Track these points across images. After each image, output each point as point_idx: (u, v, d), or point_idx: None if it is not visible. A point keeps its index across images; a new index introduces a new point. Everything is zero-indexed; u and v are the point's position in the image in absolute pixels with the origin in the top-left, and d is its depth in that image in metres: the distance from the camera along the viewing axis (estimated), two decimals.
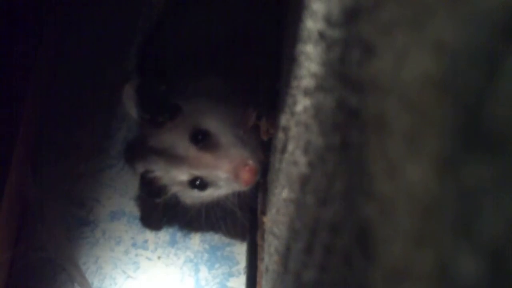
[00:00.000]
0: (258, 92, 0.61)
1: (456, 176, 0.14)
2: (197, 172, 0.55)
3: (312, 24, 0.27)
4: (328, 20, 0.24)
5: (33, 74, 0.75)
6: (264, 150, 0.62)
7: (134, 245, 0.70)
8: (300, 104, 0.31)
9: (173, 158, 0.55)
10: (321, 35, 0.25)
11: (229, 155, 0.53)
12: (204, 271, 0.68)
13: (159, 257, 0.69)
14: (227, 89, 0.59)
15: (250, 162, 0.52)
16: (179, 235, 0.70)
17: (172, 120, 0.55)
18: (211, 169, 0.54)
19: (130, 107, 0.57)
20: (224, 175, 0.54)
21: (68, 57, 0.83)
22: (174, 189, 0.58)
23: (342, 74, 0.22)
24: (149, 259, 0.69)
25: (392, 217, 0.17)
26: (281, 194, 0.38)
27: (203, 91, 0.58)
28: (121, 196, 0.73)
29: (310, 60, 0.28)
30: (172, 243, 0.70)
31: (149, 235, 0.71)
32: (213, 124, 0.55)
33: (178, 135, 0.55)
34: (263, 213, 0.60)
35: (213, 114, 0.55)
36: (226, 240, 0.70)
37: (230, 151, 0.53)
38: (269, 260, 0.47)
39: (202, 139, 0.54)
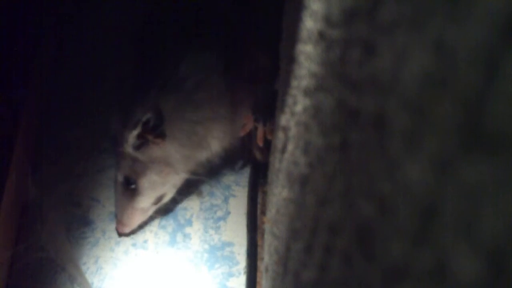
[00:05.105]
0: (257, 97, 0.63)
1: (456, 176, 0.14)
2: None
3: (312, 24, 0.27)
4: (328, 20, 0.24)
5: (33, 74, 0.75)
6: (264, 150, 0.63)
7: (134, 245, 0.70)
8: (300, 104, 0.31)
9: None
10: (321, 35, 0.25)
11: (124, 212, 0.67)
12: (204, 271, 0.68)
13: (159, 257, 0.69)
14: (226, 86, 0.62)
15: (120, 228, 0.68)
16: (179, 235, 0.70)
17: (156, 144, 0.63)
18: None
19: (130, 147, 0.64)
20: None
21: (68, 57, 0.83)
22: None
23: (342, 74, 0.22)
24: (149, 259, 0.69)
25: (392, 217, 0.17)
26: (281, 194, 0.38)
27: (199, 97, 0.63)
28: None
29: (310, 60, 0.28)
30: (172, 243, 0.70)
31: (149, 235, 0.71)
32: (145, 183, 0.65)
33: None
34: (263, 213, 0.60)
35: (156, 171, 0.65)
36: (226, 240, 0.70)
37: (127, 210, 0.67)
38: (269, 260, 0.47)
39: (128, 186, 0.66)
